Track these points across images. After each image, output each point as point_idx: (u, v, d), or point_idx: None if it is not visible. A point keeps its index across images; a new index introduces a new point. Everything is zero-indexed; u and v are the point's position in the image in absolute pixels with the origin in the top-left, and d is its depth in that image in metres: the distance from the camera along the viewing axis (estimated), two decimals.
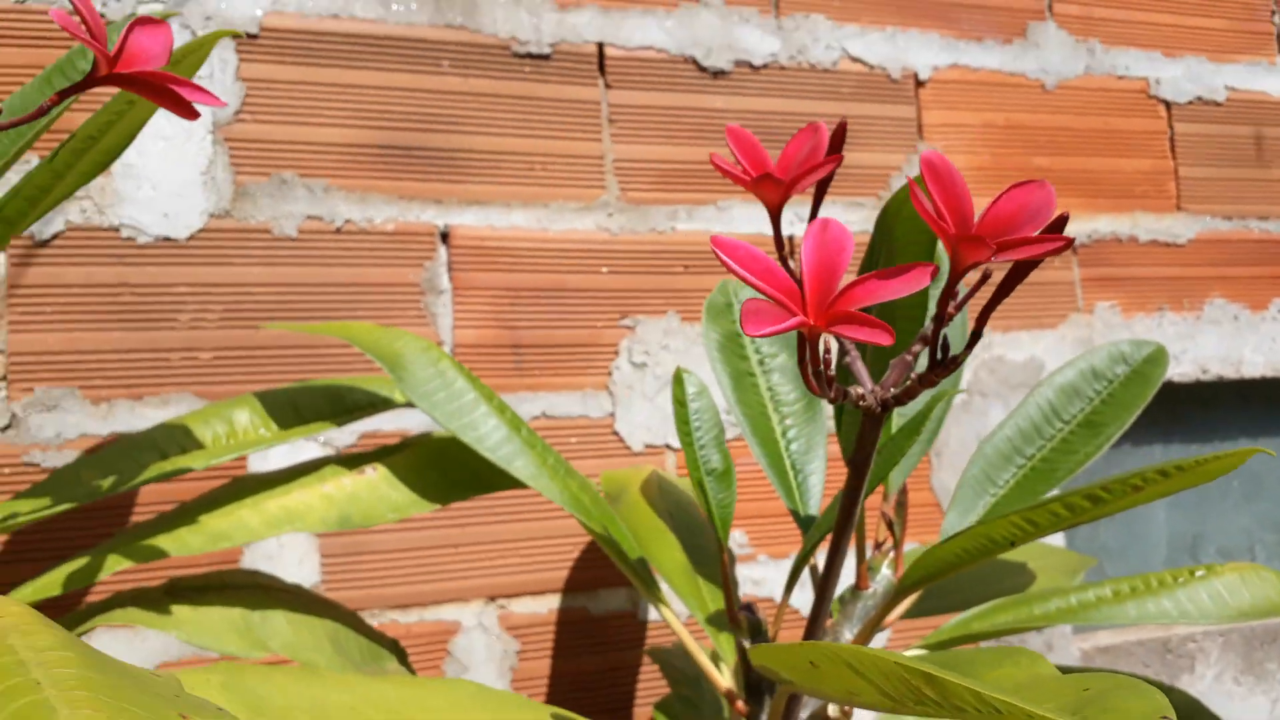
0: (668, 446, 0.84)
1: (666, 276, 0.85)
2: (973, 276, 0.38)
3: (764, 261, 0.35)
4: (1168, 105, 1.04)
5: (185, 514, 0.50)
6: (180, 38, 0.74)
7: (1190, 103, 1.04)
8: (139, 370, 0.71)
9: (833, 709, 0.46)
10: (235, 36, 0.60)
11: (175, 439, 0.52)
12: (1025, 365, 0.93)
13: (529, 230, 0.81)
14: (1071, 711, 0.25)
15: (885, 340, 0.32)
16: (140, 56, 0.37)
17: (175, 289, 0.72)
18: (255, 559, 0.72)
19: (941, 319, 0.37)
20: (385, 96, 0.78)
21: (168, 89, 0.36)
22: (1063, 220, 0.35)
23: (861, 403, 0.39)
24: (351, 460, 0.53)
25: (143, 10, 0.72)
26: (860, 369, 0.41)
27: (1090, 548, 1.00)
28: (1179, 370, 1.00)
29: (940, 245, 0.47)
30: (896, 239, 0.46)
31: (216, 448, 0.52)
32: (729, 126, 0.41)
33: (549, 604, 0.79)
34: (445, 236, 0.79)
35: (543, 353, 0.81)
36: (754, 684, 0.50)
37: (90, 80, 0.36)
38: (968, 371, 0.91)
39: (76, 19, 0.34)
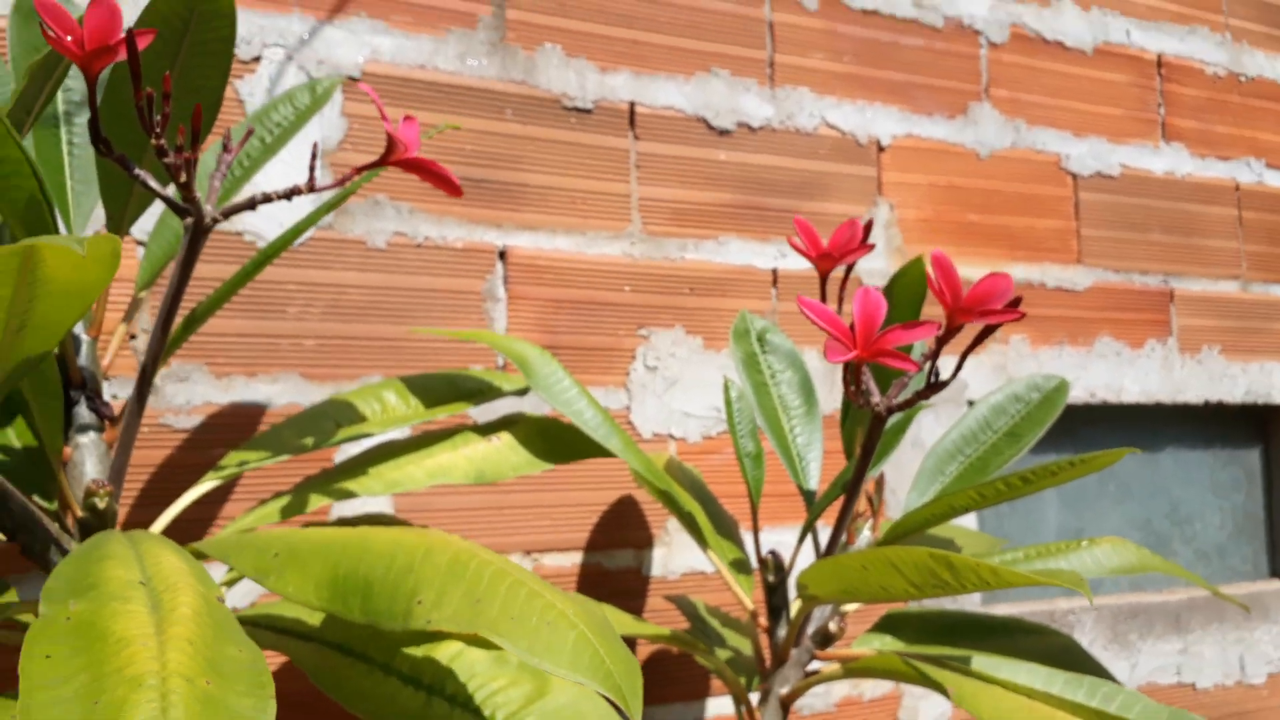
0: (670, 436, 1.02)
1: (676, 296, 1.03)
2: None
3: (831, 315, 0.54)
4: (1074, 176, 1.27)
5: (359, 467, 0.66)
6: (297, 77, 0.89)
7: (1091, 175, 1.28)
8: (254, 352, 0.86)
9: (833, 625, 0.66)
10: (344, 80, 0.76)
11: (344, 412, 0.68)
12: (952, 384, 1.15)
13: (569, 253, 0.98)
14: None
15: (912, 369, 0.51)
16: (409, 144, 0.54)
17: (286, 286, 0.87)
18: (342, 513, 0.87)
19: (935, 355, 0.57)
20: (460, 136, 0.94)
21: (439, 173, 0.53)
22: (1018, 299, 0.55)
23: (876, 407, 0.58)
24: (483, 430, 0.70)
25: (267, 53, 0.88)
26: (872, 389, 0.60)
27: (998, 534, 1.22)
28: (1074, 395, 1.23)
29: (923, 303, 0.67)
30: (895, 298, 0.65)
31: (377, 420, 0.68)
32: (796, 219, 0.60)
33: (573, 559, 0.96)
34: (503, 255, 0.96)
35: (575, 354, 0.98)
36: (774, 608, 0.69)
37: (383, 161, 0.53)
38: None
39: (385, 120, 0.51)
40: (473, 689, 0.49)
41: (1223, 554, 1.38)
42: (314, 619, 0.53)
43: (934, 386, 0.57)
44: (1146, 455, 1.34)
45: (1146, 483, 1.34)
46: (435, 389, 0.73)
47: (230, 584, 0.62)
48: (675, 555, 1.00)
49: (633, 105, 1.02)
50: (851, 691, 1.06)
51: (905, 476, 1.10)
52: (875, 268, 1.13)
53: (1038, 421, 0.78)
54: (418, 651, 0.50)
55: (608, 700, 0.38)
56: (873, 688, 1.07)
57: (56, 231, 0.51)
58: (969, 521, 1.15)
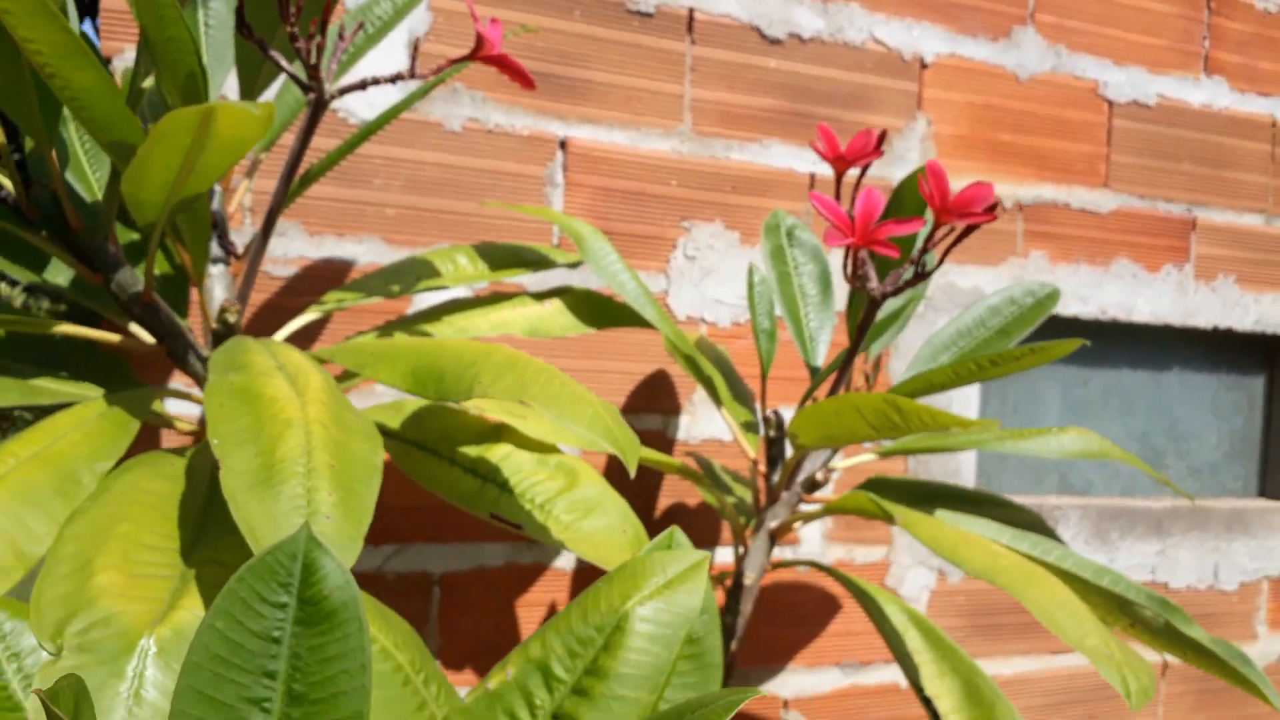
0: (703, 320, 1.14)
1: (718, 193, 1.13)
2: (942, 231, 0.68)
3: (835, 208, 0.64)
4: (1110, 104, 1.33)
5: (434, 314, 0.79)
6: None
7: (1128, 103, 1.34)
8: (343, 215, 0.99)
9: (819, 474, 0.78)
10: None
11: (424, 268, 0.80)
12: (970, 290, 1.24)
13: (624, 146, 1.09)
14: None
15: (894, 254, 0.62)
16: (494, 42, 0.64)
17: (372, 159, 0.99)
18: None
19: (924, 249, 0.67)
20: (532, 34, 1.04)
21: (516, 68, 0.64)
22: (995, 204, 0.65)
23: (872, 290, 0.69)
24: (538, 296, 0.82)
25: None
26: (871, 274, 0.71)
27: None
28: (1085, 311, 1.32)
29: (925, 207, 0.76)
30: (904, 200, 0.75)
31: (450, 277, 0.81)
32: (820, 125, 0.69)
33: None
34: (563, 144, 1.06)
35: (622, 239, 1.10)
36: (771, 457, 0.81)
37: (472, 56, 0.64)
38: (929, 290, 1.21)
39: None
40: (517, 480, 0.62)
41: (1215, 471, 1.48)
42: (395, 423, 0.67)
43: (920, 276, 0.68)
44: (1152, 374, 1.43)
45: (1150, 400, 1.43)
46: (500, 256, 0.85)
47: None
48: (698, 423, 1.13)
49: (691, 11, 1.11)
50: (844, 555, 1.19)
51: (908, 363, 1.20)
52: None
53: (1027, 322, 0.89)
54: (474, 450, 0.64)
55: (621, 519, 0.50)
56: (865, 553, 1.20)
57: (208, 99, 0.63)
58: (972, 414, 1.26)
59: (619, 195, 1.09)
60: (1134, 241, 1.35)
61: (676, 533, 0.52)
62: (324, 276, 0.98)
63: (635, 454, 0.48)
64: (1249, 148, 1.42)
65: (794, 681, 1.19)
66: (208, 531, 0.52)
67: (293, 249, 0.97)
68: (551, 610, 1.09)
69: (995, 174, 1.27)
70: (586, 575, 1.10)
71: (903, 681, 1.24)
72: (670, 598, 0.42)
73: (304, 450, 0.44)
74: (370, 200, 0.99)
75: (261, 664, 0.36)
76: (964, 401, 1.24)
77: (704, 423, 1.14)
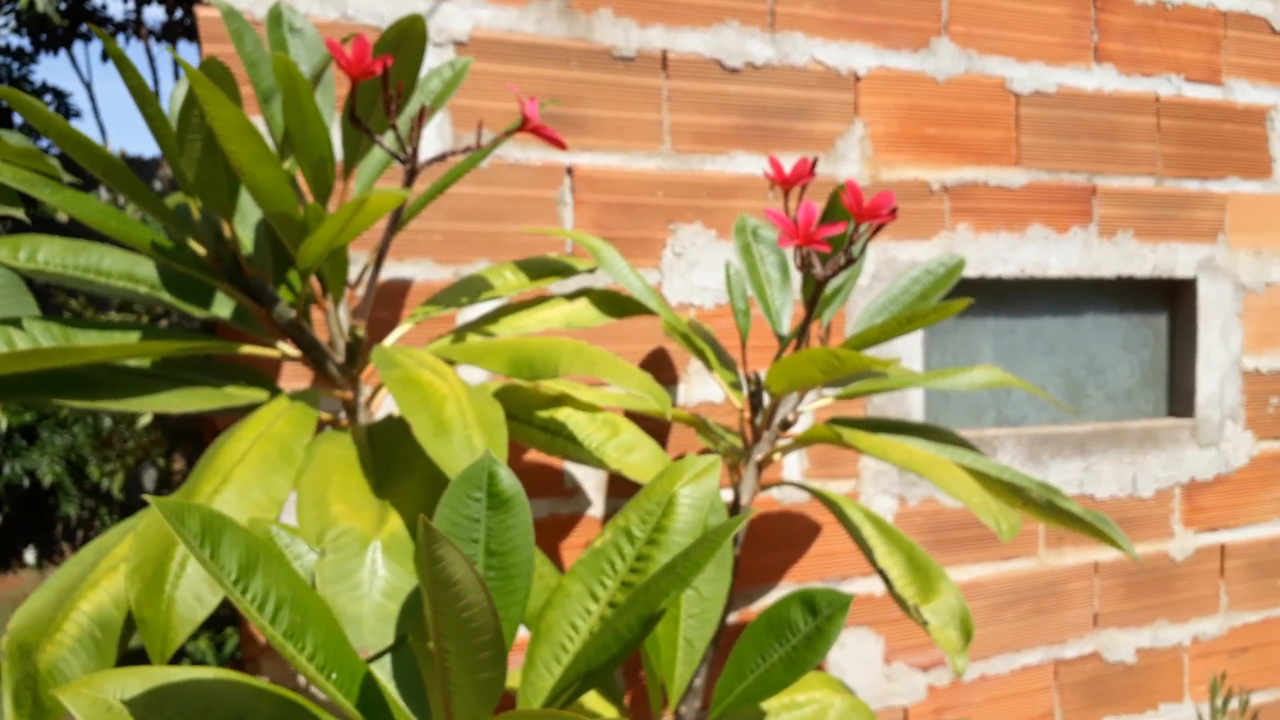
0: (691, 304, 1.39)
1: (696, 199, 1.39)
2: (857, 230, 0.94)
3: (784, 219, 0.90)
4: (1016, 96, 1.59)
5: (493, 317, 1.04)
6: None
7: (1031, 94, 1.60)
8: (400, 242, 1.23)
9: (790, 415, 1.04)
10: (458, 43, 1.11)
11: (481, 284, 1.06)
12: (908, 262, 1.51)
13: (618, 168, 1.34)
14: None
15: (827, 249, 0.88)
16: (533, 116, 0.90)
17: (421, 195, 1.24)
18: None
19: (850, 243, 0.93)
20: (538, 81, 1.29)
21: (551, 136, 0.89)
22: (895, 209, 0.90)
23: (816, 274, 0.95)
24: (569, 296, 1.07)
25: (390, 19, 1.22)
26: (815, 263, 0.96)
27: None
28: (1006, 271, 1.59)
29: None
30: (835, 209, 1.01)
31: (502, 288, 1.06)
32: (770, 156, 0.95)
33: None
34: (570, 170, 1.31)
35: (622, 243, 1.35)
36: (754, 407, 1.07)
37: (521, 129, 0.89)
38: (872, 265, 1.48)
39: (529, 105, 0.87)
40: (577, 431, 0.88)
41: (1129, 397, 1.75)
42: None
43: (848, 261, 0.94)
44: (1069, 319, 1.70)
45: (1069, 341, 1.70)
46: (535, 268, 1.10)
47: None
48: (693, 389, 1.39)
49: (665, 52, 1.36)
50: (819, 488, 1.46)
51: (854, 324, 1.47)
52: (852, 173, 1.48)
53: (942, 286, 1.15)
54: (545, 414, 0.90)
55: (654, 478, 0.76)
56: (836, 486, 1.47)
57: (332, 176, 0.88)
58: (918, 365, 1.52)
59: (617, 208, 1.34)
60: (1044, 209, 1.62)
61: (690, 456, 0.78)
62: (390, 293, 1.23)
63: (669, 406, 0.74)
64: (1137, 121, 1.69)
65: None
66: (382, 478, 0.77)
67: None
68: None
69: (923, 163, 1.53)
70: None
71: (877, 590, 1.51)
72: (699, 484, 0.68)
73: (459, 413, 0.70)
74: (421, 229, 1.24)
75: (469, 533, 0.62)
76: (910, 354, 1.51)
77: (698, 389, 1.40)
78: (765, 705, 0.83)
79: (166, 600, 0.66)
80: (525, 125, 0.89)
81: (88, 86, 5.83)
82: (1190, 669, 1.76)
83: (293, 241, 0.85)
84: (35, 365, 0.76)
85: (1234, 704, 1.74)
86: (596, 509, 1.34)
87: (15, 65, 4.48)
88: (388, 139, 0.96)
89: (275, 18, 1.00)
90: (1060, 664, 1.65)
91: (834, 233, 0.89)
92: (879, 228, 0.91)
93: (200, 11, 1.14)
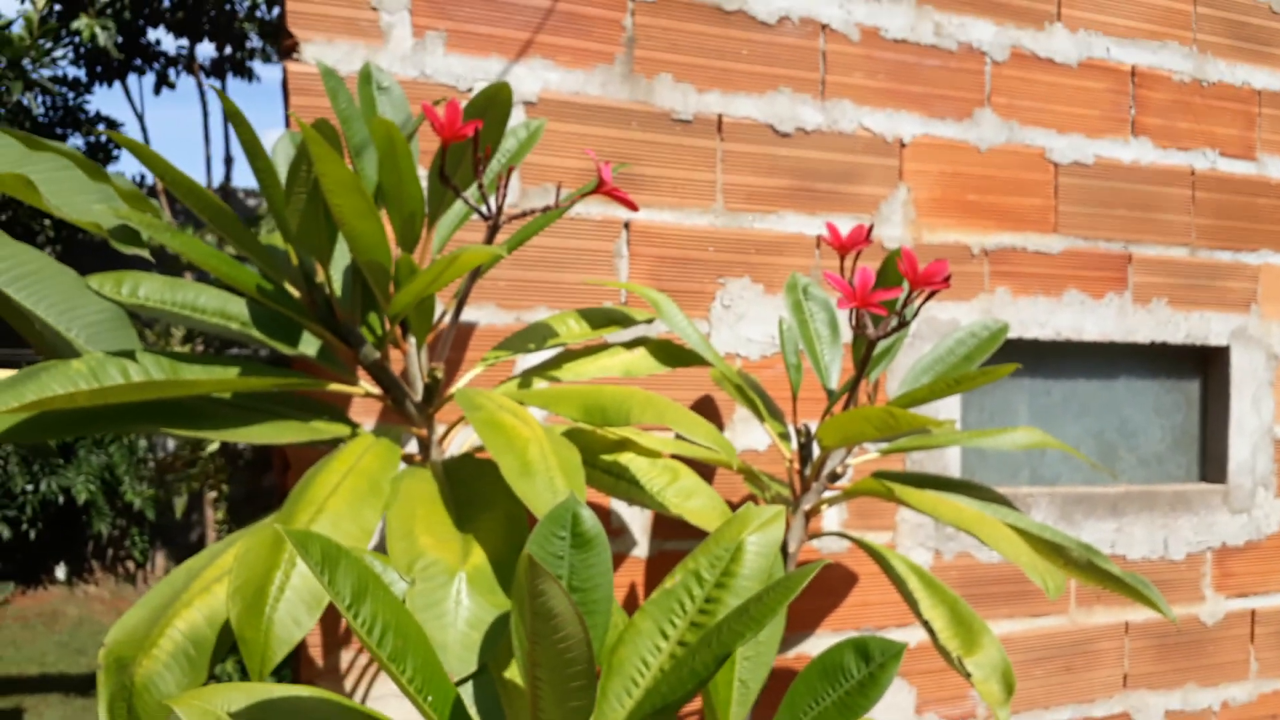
0: (738, 355, 1.44)
1: (744, 255, 1.45)
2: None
3: (842, 282, 0.96)
4: (1055, 165, 1.65)
5: (555, 363, 1.10)
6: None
7: (1070, 164, 1.65)
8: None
9: (838, 468, 1.08)
10: (527, 103, 1.18)
11: (547, 331, 1.12)
12: (948, 322, 1.55)
13: (672, 224, 1.40)
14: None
15: (884, 313, 0.93)
16: (608, 179, 0.96)
17: None
18: None
19: (904, 306, 0.99)
20: (600, 140, 1.36)
21: (623, 198, 0.95)
22: (949, 275, 0.96)
23: (869, 335, 1.00)
24: (627, 345, 1.13)
25: (476, 85, 1.29)
26: (869, 324, 1.02)
27: None
28: (1043, 334, 1.63)
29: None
30: (888, 272, 1.06)
31: (566, 335, 1.12)
32: (829, 224, 1.01)
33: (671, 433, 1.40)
34: (627, 225, 1.38)
35: (674, 294, 1.41)
36: (804, 458, 1.12)
37: (596, 191, 0.95)
38: (914, 324, 1.52)
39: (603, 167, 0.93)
40: (640, 476, 0.93)
41: (1161, 461, 1.78)
42: None
43: (901, 324, 0.99)
44: (1103, 382, 1.74)
45: (1102, 404, 1.74)
46: (596, 318, 1.16)
47: None
48: (739, 436, 1.44)
49: (720, 116, 1.43)
50: (858, 539, 1.49)
51: (899, 382, 1.51)
52: (895, 235, 1.53)
53: (985, 349, 1.20)
54: (609, 458, 0.95)
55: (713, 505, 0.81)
56: (874, 537, 1.50)
57: (420, 229, 0.94)
58: (956, 423, 1.56)
59: (670, 261, 1.40)
60: (1081, 275, 1.66)
61: (752, 505, 0.83)
62: (458, 336, 1.29)
63: (734, 457, 0.79)
64: (1172, 193, 1.74)
65: (822, 643, 1.49)
66: (462, 513, 0.82)
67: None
68: (631, 590, 1.39)
69: (964, 227, 1.58)
70: (657, 561, 1.40)
71: (911, 640, 1.54)
72: (765, 532, 0.72)
73: (541, 455, 0.75)
74: (487, 276, 1.31)
75: (554, 569, 0.67)
76: (949, 412, 1.55)
77: (742, 436, 1.45)
78: None
79: (266, 621, 0.71)
80: (600, 187, 0.95)
81: (140, 118, 6.02)
82: None
83: (381, 288, 0.92)
84: (150, 395, 0.82)
85: None
86: (641, 549, 1.39)
87: (71, 95, 4.64)
88: (471, 195, 1.03)
89: (365, 77, 1.07)
90: None
91: (889, 297, 0.94)
92: (931, 294, 0.96)
93: (291, 67, 1.22)
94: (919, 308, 0.98)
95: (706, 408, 1.43)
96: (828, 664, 0.80)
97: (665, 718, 0.65)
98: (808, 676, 0.80)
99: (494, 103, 0.96)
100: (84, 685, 3.58)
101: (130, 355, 0.84)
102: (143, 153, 0.89)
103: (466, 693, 0.70)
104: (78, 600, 4.38)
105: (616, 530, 1.37)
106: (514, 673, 0.75)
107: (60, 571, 4.58)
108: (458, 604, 0.72)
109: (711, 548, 0.73)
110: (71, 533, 4.54)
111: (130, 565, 4.64)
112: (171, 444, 4.54)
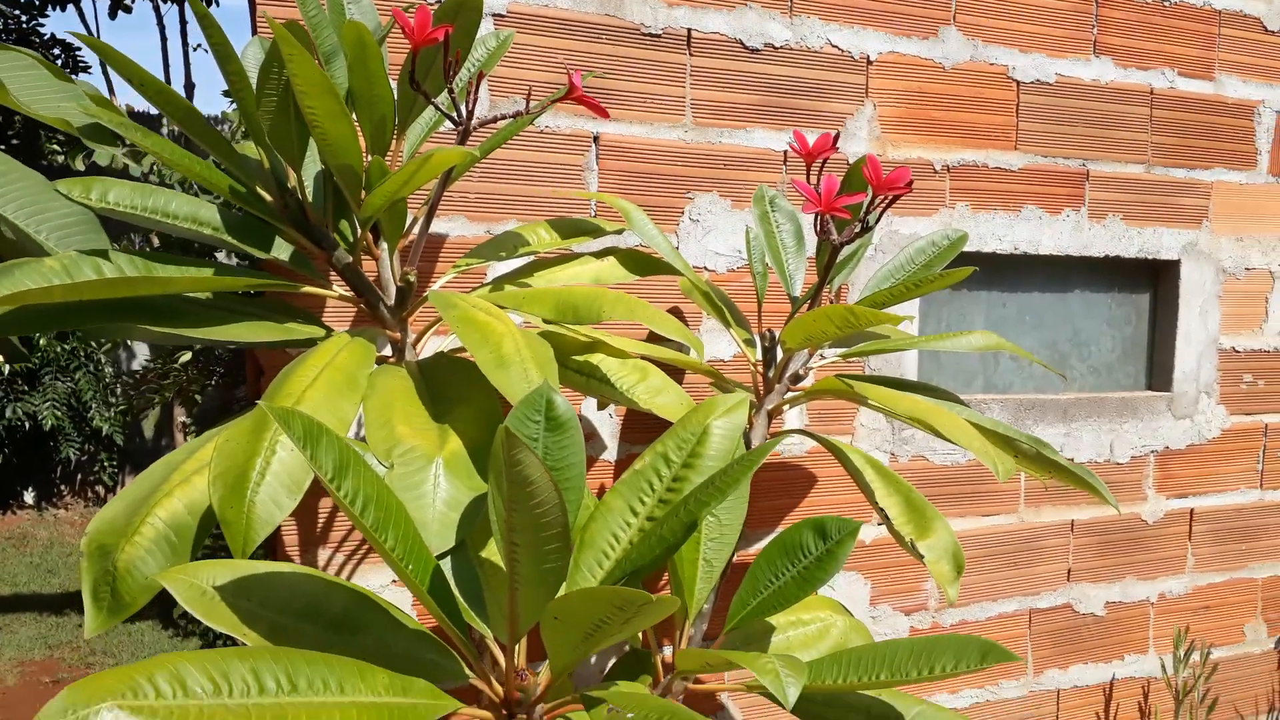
0: (705, 268, 1.48)
1: (713, 170, 1.47)
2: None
3: (808, 188, 0.99)
4: (1018, 84, 1.67)
5: (526, 271, 1.12)
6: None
7: (1031, 82, 1.68)
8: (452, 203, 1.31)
9: (800, 369, 1.13)
10: (496, 15, 1.19)
11: (518, 239, 1.14)
12: (909, 236, 1.59)
13: (642, 138, 1.42)
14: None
15: (847, 216, 0.97)
16: (579, 88, 0.97)
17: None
18: None
19: (867, 212, 1.02)
20: (569, 54, 1.36)
21: (593, 104, 0.97)
22: (911, 181, 0.99)
23: (833, 240, 1.04)
24: (597, 254, 1.16)
25: None
26: (833, 230, 1.05)
27: None
28: (1001, 248, 1.67)
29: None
30: (853, 180, 1.09)
31: (536, 244, 1.14)
32: (796, 131, 1.03)
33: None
34: (596, 139, 1.39)
35: (643, 209, 1.43)
36: (767, 361, 1.16)
37: (565, 98, 0.97)
38: (876, 238, 1.56)
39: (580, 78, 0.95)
40: (610, 375, 0.97)
41: (1111, 370, 1.85)
42: None
43: (864, 229, 1.02)
44: (1058, 295, 1.80)
45: (1056, 316, 1.80)
46: (566, 228, 1.18)
47: None
48: (706, 346, 1.48)
49: (689, 31, 1.43)
50: (816, 445, 1.55)
51: (861, 292, 1.56)
52: (860, 151, 1.56)
53: (944, 258, 1.24)
54: (581, 358, 0.98)
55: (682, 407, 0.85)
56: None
57: (391, 134, 0.95)
58: (915, 332, 1.61)
59: (638, 175, 1.42)
60: (1039, 191, 1.70)
61: (718, 393, 0.87)
62: (426, 247, 1.31)
63: (701, 350, 0.83)
64: (1131, 111, 1.77)
65: None
66: (439, 407, 0.86)
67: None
68: (601, 490, 1.44)
69: (927, 144, 1.61)
70: (626, 464, 1.45)
71: (868, 538, 1.61)
72: (730, 417, 0.77)
73: (516, 349, 0.79)
74: (456, 189, 1.32)
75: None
76: (907, 324, 1.60)
77: (710, 346, 1.48)
78: (775, 621, 0.92)
79: (248, 503, 0.75)
80: (571, 94, 0.97)
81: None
82: (1155, 623, 1.87)
83: (353, 192, 0.93)
84: (123, 293, 0.84)
85: (1195, 657, 1.86)
86: (610, 453, 1.43)
87: (24, 18, 4.49)
88: (441, 102, 1.04)
89: None
90: (1034, 613, 1.76)
91: (853, 202, 0.97)
92: (894, 199, 0.99)
93: None
94: (881, 214, 1.01)
95: (676, 317, 1.47)
96: (788, 542, 0.85)
97: (635, 583, 0.70)
98: (769, 554, 0.85)
99: (464, 8, 0.97)
100: (57, 604, 3.62)
101: (103, 254, 0.86)
102: (110, 54, 0.90)
103: (445, 566, 0.74)
104: (48, 524, 4.40)
105: (587, 435, 1.41)
106: (491, 551, 0.79)
107: (29, 496, 4.58)
108: (435, 486, 0.76)
109: (679, 431, 0.77)
110: (40, 458, 4.53)
111: (100, 490, 4.65)
112: (141, 362, 4.52)
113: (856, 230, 1.03)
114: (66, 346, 4.41)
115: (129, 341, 4.71)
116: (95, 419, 4.31)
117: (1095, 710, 1.85)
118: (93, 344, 4.41)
